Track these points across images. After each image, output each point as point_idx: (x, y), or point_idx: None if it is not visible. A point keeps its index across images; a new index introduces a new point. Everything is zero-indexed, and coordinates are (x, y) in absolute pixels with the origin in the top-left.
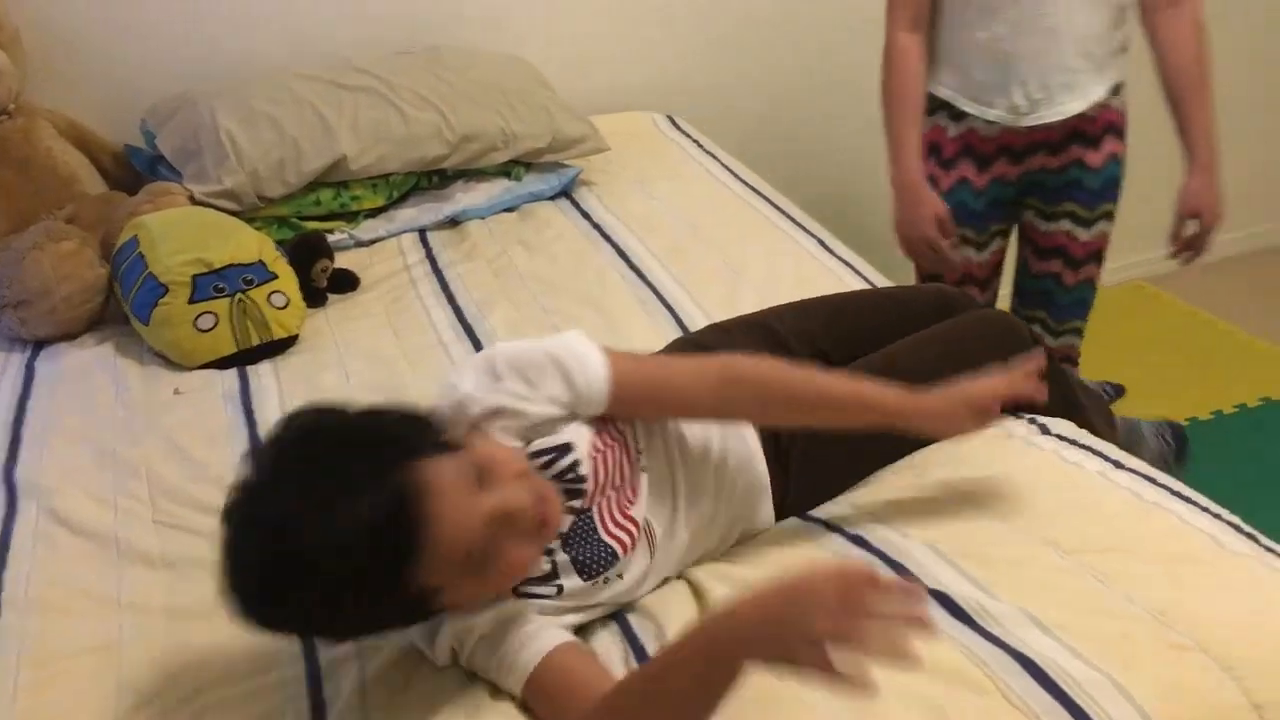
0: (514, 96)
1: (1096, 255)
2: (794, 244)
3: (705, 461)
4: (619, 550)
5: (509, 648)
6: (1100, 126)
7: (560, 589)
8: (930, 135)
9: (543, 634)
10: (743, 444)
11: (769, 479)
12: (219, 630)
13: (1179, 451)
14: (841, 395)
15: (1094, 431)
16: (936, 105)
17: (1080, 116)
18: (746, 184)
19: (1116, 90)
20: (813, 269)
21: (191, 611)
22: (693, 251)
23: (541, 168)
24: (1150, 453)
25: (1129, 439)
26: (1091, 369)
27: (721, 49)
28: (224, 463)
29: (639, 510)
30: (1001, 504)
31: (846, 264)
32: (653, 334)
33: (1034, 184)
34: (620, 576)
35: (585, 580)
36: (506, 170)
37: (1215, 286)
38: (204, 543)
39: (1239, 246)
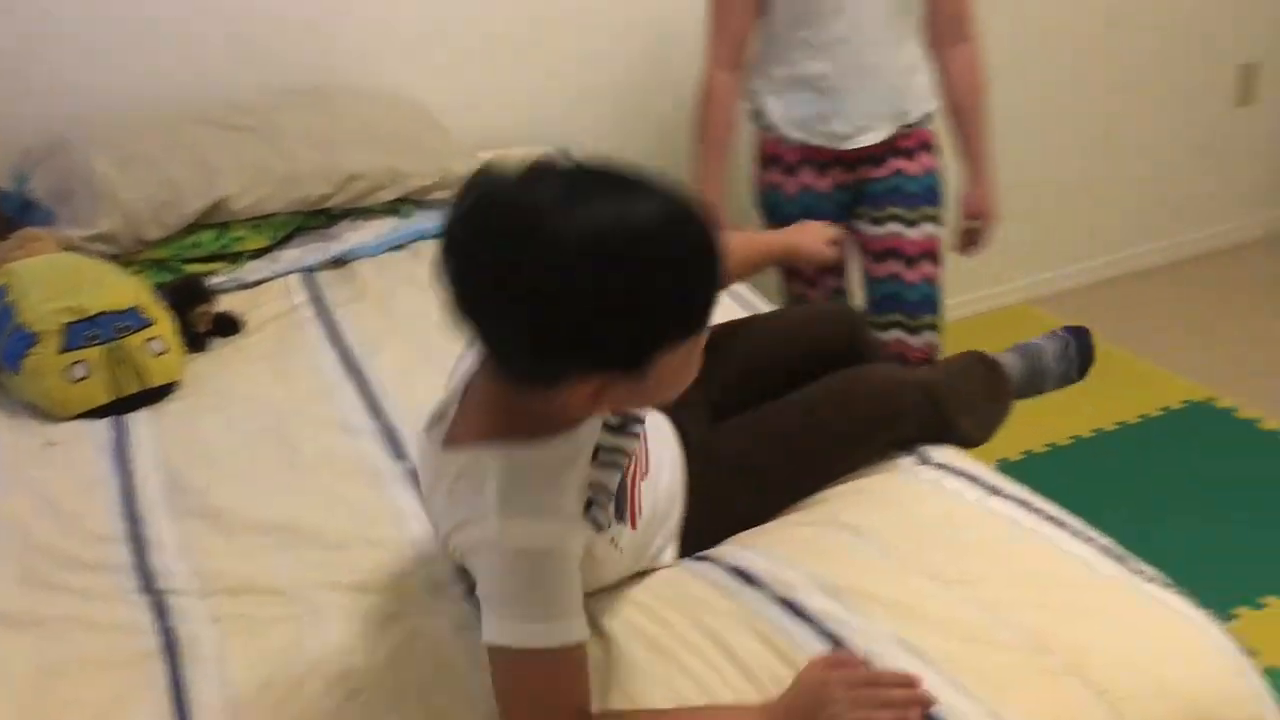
0: (401, 135)
1: (930, 255)
2: None
3: (658, 480)
4: (632, 514)
5: (561, 591)
6: (915, 143)
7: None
8: (770, 147)
9: (580, 617)
10: (677, 479)
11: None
12: (88, 687)
13: (1083, 364)
14: None
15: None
16: (766, 126)
17: (897, 136)
18: None
19: (930, 117)
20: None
21: (61, 670)
22: None
23: (432, 204)
24: (1054, 380)
25: (1030, 376)
26: None
27: (615, 83)
28: (97, 516)
29: (645, 485)
30: (882, 537)
31: (748, 301)
32: None
33: (862, 193)
34: (619, 549)
35: (620, 522)
36: (395, 208)
37: (1097, 308)
38: (76, 599)
39: (1115, 270)
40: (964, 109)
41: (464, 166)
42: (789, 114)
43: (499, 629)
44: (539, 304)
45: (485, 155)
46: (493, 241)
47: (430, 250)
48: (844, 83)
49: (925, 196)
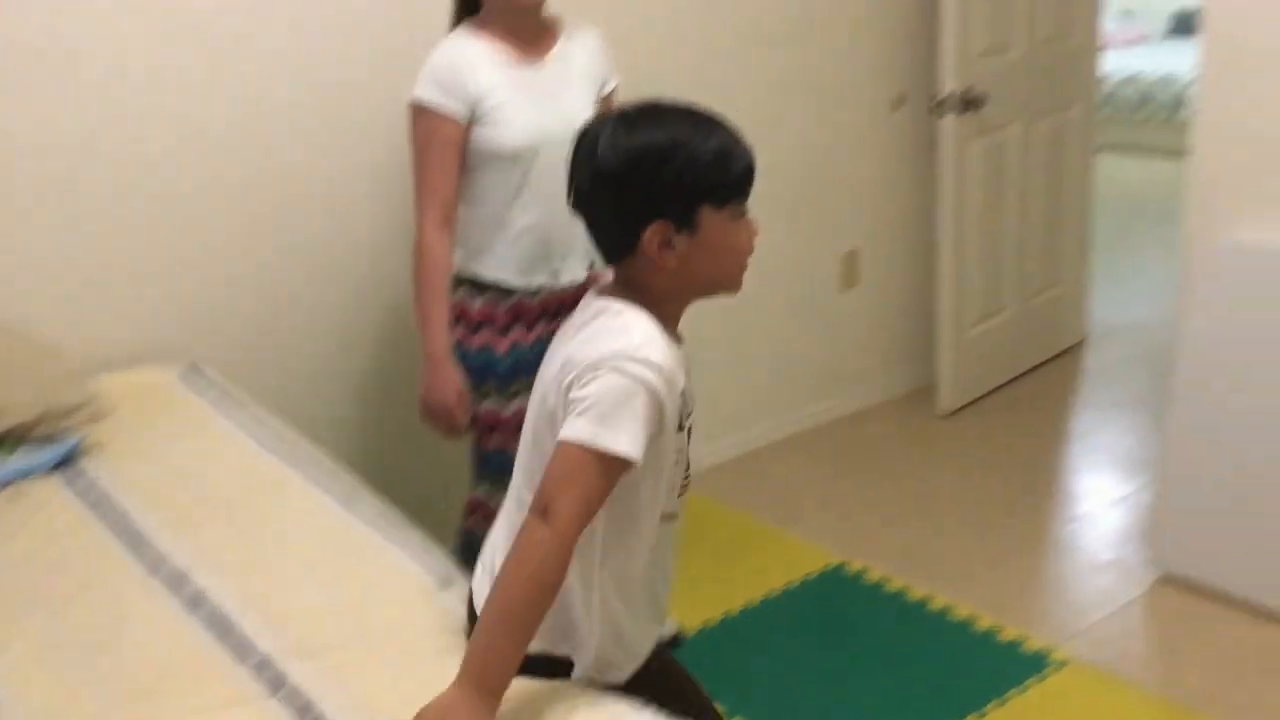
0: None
1: None
2: (316, 501)
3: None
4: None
5: (642, 425)
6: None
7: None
8: (470, 309)
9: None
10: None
11: None
12: None
13: None
14: None
15: None
16: (472, 284)
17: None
18: (274, 437)
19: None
20: (338, 527)
21: None
22: (208, 519)
23: (36, 440)
24: None
25: None
26: None
27: (248, 288)
28: None
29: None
30: None
31: (373, 521)
32: (161, 614)
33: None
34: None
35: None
36: None
37: (735, 482)
38: None
39: (748, 445)
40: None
41: (72, 396)
42: (502, 263)
43: (589, 430)
44: (608, 188)
45: (104, 378)
46: (584, 163)
47: (33, 491)
48: (558, 225)
49: None
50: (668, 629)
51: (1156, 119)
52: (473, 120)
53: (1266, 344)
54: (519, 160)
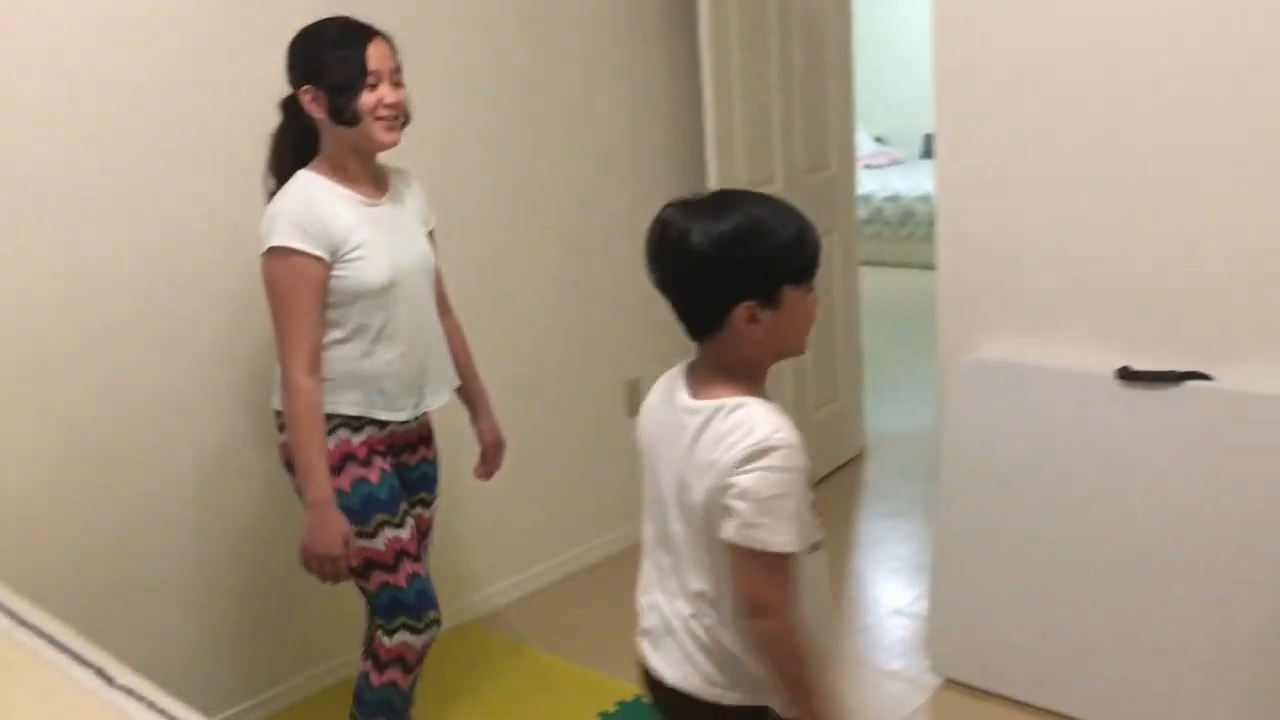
0: None
1: (431, 528)
2: (69, 679)
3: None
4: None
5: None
6: (430, 429)
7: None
8: (339, 448)
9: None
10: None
11: None
12: None
13: None
14: None
15: None
16: (340, 423)
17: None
18: (12, 615)
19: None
20: (92, 707)
21: None
22: None
23: None
24: None
25: None
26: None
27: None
28: None
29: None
30: None
31: (130, 691)
32: None
33: (400, 481)
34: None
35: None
36: None
37: (531, 619)
38: None
39: (544, 579)
40: (462, 363)
41: None
42: (371, 398)
43: (760, 537)
44: (703, 273)
45: None
46: (670, 252)
47: None
48: (420, 355)
49: (438, 476)
50: None
51: (918, 235)
52: (334, 261)
53: (1018, 454)
54: (384, 295)
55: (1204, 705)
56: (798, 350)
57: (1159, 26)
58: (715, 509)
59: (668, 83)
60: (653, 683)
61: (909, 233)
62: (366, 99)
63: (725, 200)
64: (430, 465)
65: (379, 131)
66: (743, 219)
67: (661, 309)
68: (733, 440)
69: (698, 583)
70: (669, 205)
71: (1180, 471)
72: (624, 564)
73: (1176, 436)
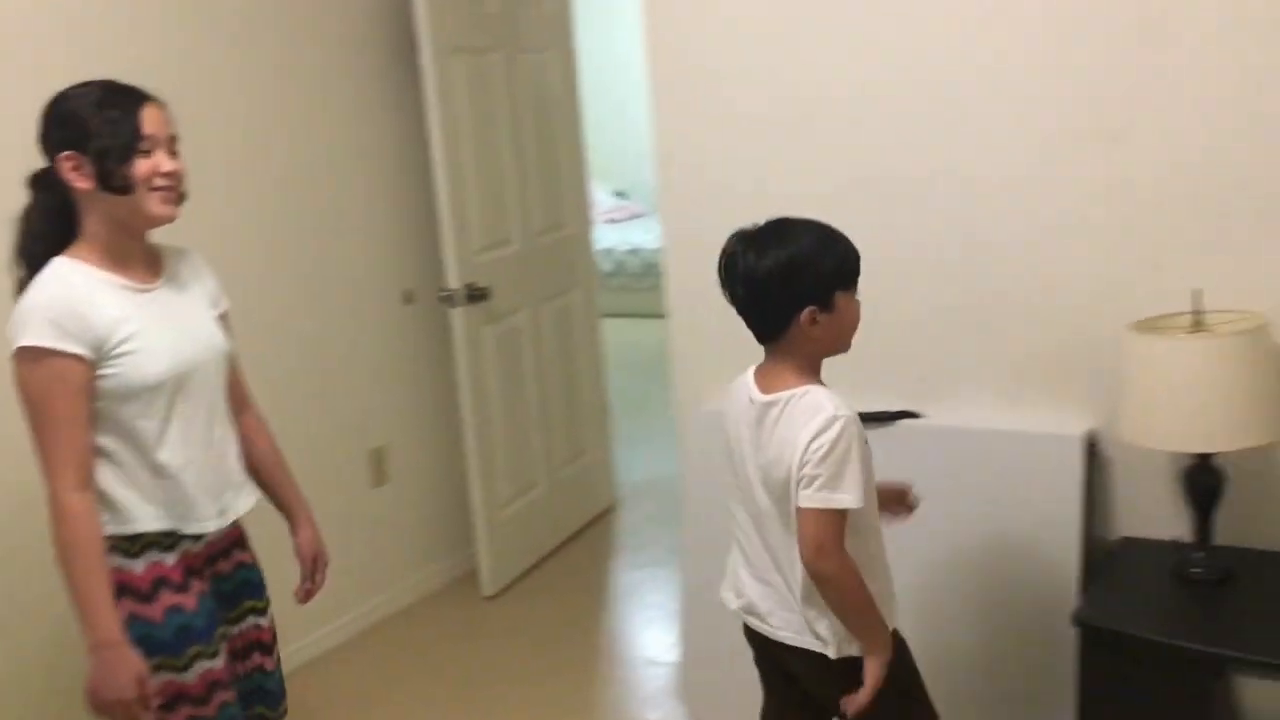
0: None
1: (275, 635)
2: None
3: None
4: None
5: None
6: (242, 531)
7: None
8: (150, 572)
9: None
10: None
11: None
12: None
13: None
14: None
15: None
16: (148, 542)
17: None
18: None
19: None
20: None
21: None
22: None
23: None
24: None
25: None
26: None
27: None
28: None
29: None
30: None
31: None
32: None
33: (214, 593)
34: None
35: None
36: None
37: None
38: None
39: (303, 656)
40: (271, 465)
41: None
42: (170, 511)
43: (821, 497)
44: (774, 290)
45: None
46: (740, 275)
47: None
48: (201, 460)
49: (264, 581)
50: None
51: (660, 287)
52: (100, 359)
53: None
54: (163, 392)
55: None
56: (847, 345)
57: (868, 87)
58: (796, 479)
59: (399, 153)
60: (765, 643)
61: (651, 284)
62: (141, 166)
63: (782, 229)
64: (250, 569)
65: (154, 204)
66: (803, 243)
67: (404, 373)
68: (806, 419)
69: (790, 551)
70: (734, 237)
71: None
72: (377, 637)
73: (892, 471)
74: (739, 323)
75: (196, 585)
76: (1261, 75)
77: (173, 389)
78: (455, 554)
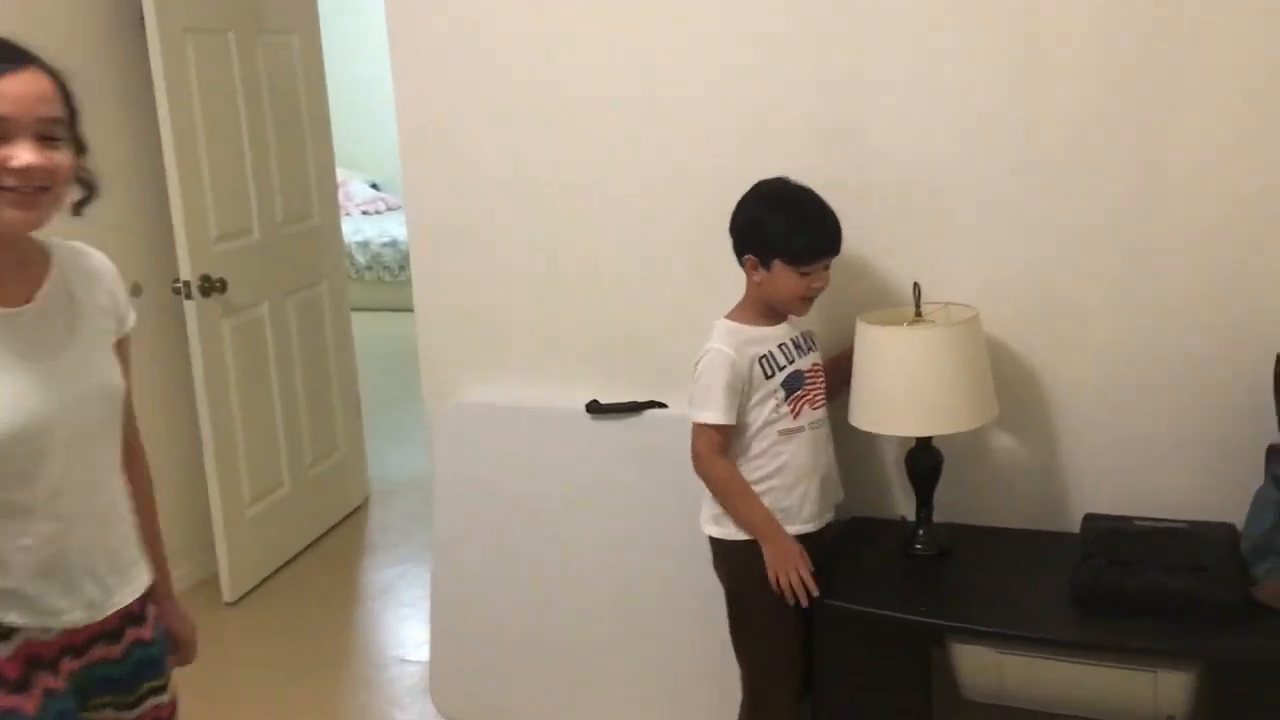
0: None
1: (176, 704)
2: None
3: (826, 444)
4: (795, 406)
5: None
6: (144, 601)
7: None
8: None
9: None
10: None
11: None
12: None
13: None
14: None
15: None
16: None
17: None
18: None
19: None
20: None
21: None
22: None
23: None
24: None
25: None
26: None
27: None
28: None
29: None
30: None
31: None
32: None
33: (102, 678)
34: (792, 421)
35: (786, 396)
36: None
37: None
38: None
39: None
40: (146, 522)
41: None
42: (14, 600)
43: (691, 412)
44: (737, 229)
45: None
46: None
47: None
48: (78, 538)
49: (166, 654)
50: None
51: None
52: None
53: (504, 492)
54: (17, 449)
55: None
56: (790, 308)
57: (617, 78)
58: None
59: (128, 137)
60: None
61: (408, 277)
62: None
63: (791, 190)
64: (148, 647)
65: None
66: (781, 207)
67: (138, 370)
68: (705, 345)
69: None
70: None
71: (643, 489)
72: None
73: (639, 458)
74: (490, 314)
75: (45, 681)
76: (974, 74)
77: (34, 443)
78: (195, 558)
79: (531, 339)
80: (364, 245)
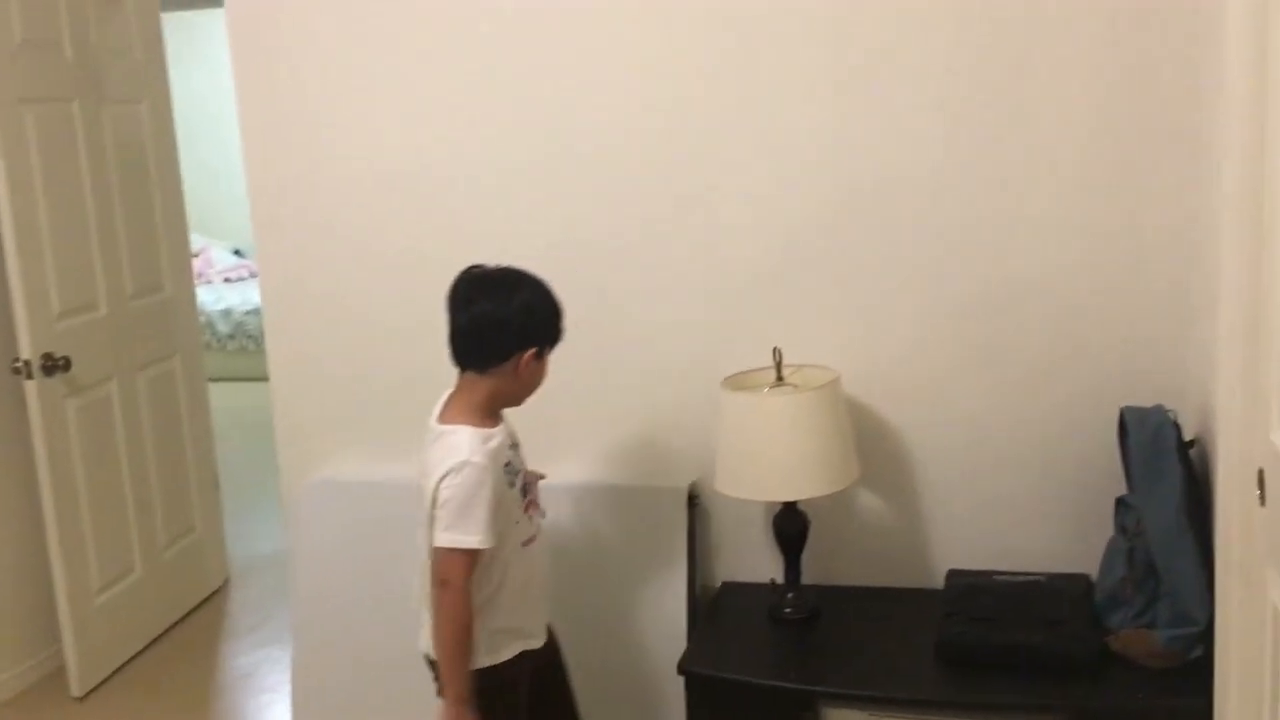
0: None
1: None
2: None
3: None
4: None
5: (486, 514)
6: None
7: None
8: None
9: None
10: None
11: None
12: None
13: None
14: None
15: None
16: None
17: None
18: None
19: None
20: None
21: None
22: None
23: None
24: None
25: None
26: None
27: None
28: None
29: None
30: None
31: None
32: None
33: None
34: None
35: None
36: None
37: None
38: None
39: None
40: None
41: None
42: None
43: (449, 538)
44: (495, 330)
45: None
46: (474, 307)
47: None
48: None
49: None
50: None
51: None
52: None
53: (366, 568)
54: None
55: None
56: (520, 400)
57: (470, 142)
58: (430, 515)
59: None
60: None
61: None
62: None
63: (509, 279)
64: None
65: None
66: (514, 301)
67: None
68: (444, 457)
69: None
70: (465, 273)
71: None
72: None
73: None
74: (348, 386)
75: None
76: (848, 138)
77: None
78: (40, 651)
79: (392, 409)
80: (226, 314)
